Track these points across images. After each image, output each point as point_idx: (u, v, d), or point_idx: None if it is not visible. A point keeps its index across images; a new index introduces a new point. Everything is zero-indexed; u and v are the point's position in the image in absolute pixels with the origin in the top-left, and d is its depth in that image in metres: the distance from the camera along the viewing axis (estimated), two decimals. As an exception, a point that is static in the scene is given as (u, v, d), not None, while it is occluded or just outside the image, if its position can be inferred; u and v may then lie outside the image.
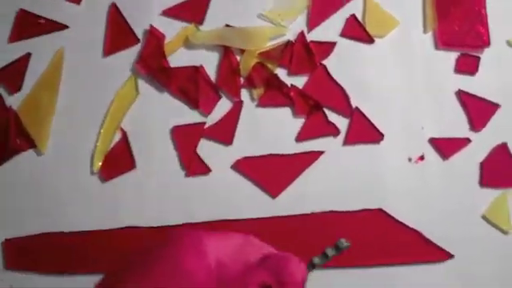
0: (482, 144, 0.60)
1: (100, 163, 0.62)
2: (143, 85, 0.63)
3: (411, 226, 0.58)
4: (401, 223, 0.59)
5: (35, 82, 0.64)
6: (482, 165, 0.60)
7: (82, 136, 0.62)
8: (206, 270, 0.32)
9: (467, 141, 0.60)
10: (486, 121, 0.61)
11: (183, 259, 0.32)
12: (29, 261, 0.59)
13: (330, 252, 0.42)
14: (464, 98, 0.61)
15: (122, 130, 0.62)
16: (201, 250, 0.33)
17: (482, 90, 0.61)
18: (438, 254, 0.58)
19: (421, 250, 0.58)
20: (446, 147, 0.60)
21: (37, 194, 0.61)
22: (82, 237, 0.60)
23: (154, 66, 0.63)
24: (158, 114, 0.63)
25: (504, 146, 0.60)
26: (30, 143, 0.62)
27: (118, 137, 0.62)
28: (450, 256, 0.58)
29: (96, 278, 0.56)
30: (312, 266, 0.41)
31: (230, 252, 0.34)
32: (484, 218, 0.59)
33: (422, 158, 0.60)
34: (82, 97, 0.63)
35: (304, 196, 0.60)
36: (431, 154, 0.61)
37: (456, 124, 0.61)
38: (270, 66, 0.63)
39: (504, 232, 0.58)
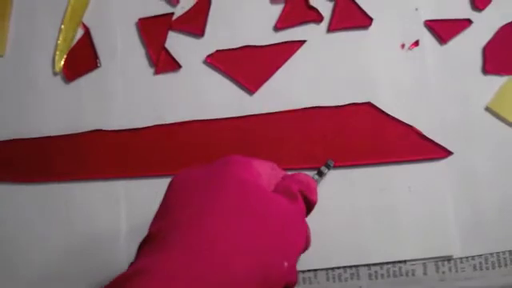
0: (485, 25, 0.53)
1: (62, 63, 0.56)
2: (105, -26, 0.57)
3: (405, 121, 0.52)
4: (393, 118, 0.53)
5: (-12, -23, 0.58)
6: (485, 49, 0.53)
7: (41, 34, 0.57)
8: (265, 185, 0.37)
9: (468, 22, 0.53)
10: (489, -2, 0.53)
11: (241, 173, 0.35)
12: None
13: (324, 169, 0.51)
14: (465, -28, 0.54)
15: (84, 25, 0.57)
16: (251, 165, 0.37)
17: (485, -38, 0.53)
18: (436, 151, 0.52)
19: (416, 147, 0.52)
20: (443, 30, 0.53)
21: (-4, 100, 0.56)
22: (47, 142, 0.55)
23: (116, -48, 0.56)
24: (122, 5, 0.57)
25: (510, 26, 0.53)
26: (-13, 45, 0.57)
27: (80, 33, 0.57)
28: (448, 153, 0.52)
29: (64, 185, 0.54)
30: None
31: (268, 171, 0.38)
32: (488, 109, 0.52)
33: (416, 43, 0.53)
34: (40, -9, 0.57)
35: (285, 91, 0.54)
36: (427, 39, 0.54)
37: (454, 2, 0.54)
38: None
39: (510, 124, 0.52)
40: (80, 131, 0.55)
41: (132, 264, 0.32)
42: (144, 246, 0.33)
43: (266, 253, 0.33)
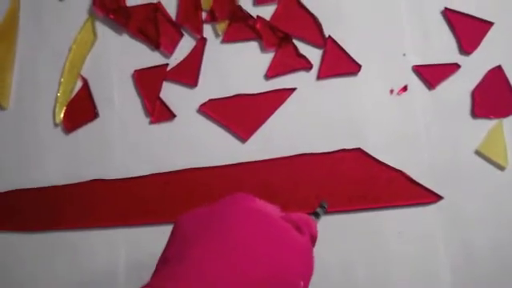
0: (473, 69, 0.54)
1: (62, 114, 0.58)
2: (101, 28, 0.59)
3: (395, 166, 0.53)
4: (382, 163, 0.53)
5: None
6: (474, 93, 0.53)
7: (43, 87, 0.59)
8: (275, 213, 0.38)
9: (456, 66, 0.54)
10: (477, 42, 0.54)
11: (249, 203, 0.37)
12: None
13: (320, 211, 0.49)
14: (451, 16, 0.54)
15: (82, 77, 0.59)
16: (255, 199, 0.38)
17: (471, 6, 0.54)
18: (426, 196, 0.52)
19: (406, 192, 0.53)
20: (431, 75, 0.54)
21: (0, 151, 0.58)
22: (48, 192, 0.57)
23: (111, 5, 0.58)
24: (118, 58, 0.59)
25: (498, 69, 0.53)
26: (-8, 98, 0.59)
27: (79, 85, 0.58)
28: (438, 197, 0.52)
29: (65, 234, 0.56)
30: None
31: (272, 208, 0.39)
32: (477, 152, 0.52)
33: (404, 88, 0.54)
34: (40, 46, 0.60)
35: (276, 138, 0.55)
36: (416, 84, 0.54)
37: (443, 48, 0.54)
38: (232, -4, 0.57)
39: (500, 167, 0.52)
40: (80, 181, 0.57)
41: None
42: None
43: (284, 273, 0.34)
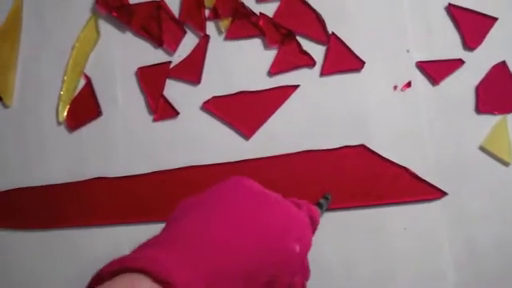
0: (477, 65, 0.53)
1: (65, 113, 0.58)
2: (104, 26, 0.59)
3: (399, 162, 0.53)
4: (386, 160, 0.53)
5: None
6: (478, 88, 0.53)
7: (46, 85, 0.59)
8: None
9: (460, 62, 0.53)
10: (481, 37, 0.53)
11: (247, 182, 0.36)
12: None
13: (323, 202, 0.50)
14: (455, 12, 0.54)
15: (85, 75, 0.59)
16: (249, 180, 0.37)
17: (475, 2, 0.54)
18: (430, 192, 0.52)
19: (410, 188, 0.53)
20: (435, 71, 0.54)
21: (4, 148, 0.58)
22: (52, 190, 0.57)
23: (114, 3, 0.58)
24: (122, 55, 0.58)
25: (502, 64, 0.53)
26: (-5, 97, 0.59)
27: (82, 83, 0.58)
28: (442, 193, 0.52)
29: (68, 232, 0.56)
30: None
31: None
32: (482, 148, 0.52)
33: (408, 84, 0.54)
34: (44, 44, 0.60)
35: (279, 135, 0.55)
36: (419, 80, 0.54)
37: (447, 44, 0.54)
38: (235, -8, 0.57)
39: (504, 163, 0.52)
40: (83, 179, 0.57)
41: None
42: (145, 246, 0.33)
43: (279, 234, 0.34)
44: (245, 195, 0.35)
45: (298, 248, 0.35)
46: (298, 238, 0.35)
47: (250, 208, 0.34)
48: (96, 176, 0.57)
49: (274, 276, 0.33)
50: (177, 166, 0.56)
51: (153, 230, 0.54)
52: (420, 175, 0.52)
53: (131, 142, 0.57)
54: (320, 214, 0.49)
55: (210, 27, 0.57)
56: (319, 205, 0.51)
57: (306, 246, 0.37)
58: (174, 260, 0.29)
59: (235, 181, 0.37)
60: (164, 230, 0.34)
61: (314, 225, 0.41)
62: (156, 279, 0.28)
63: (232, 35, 0.57)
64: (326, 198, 0.51)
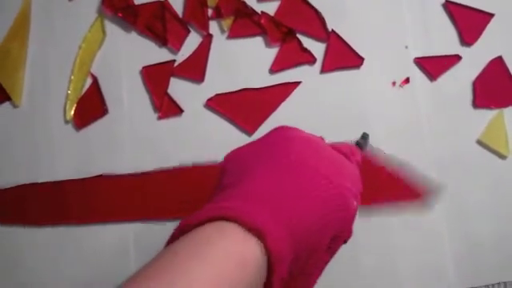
0: (474, 60, 0.55)
1: (72, 111, 0.60)
2: (110, 26, 0.60)
3: (398, 157, 0.54)
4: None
5: (4, 33, 0.61)
6: (475, 83, 0.54)
7: (54, 84, 0.60)
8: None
9: (457, 58, 0.55)
10: (478, 33, 0.54)
11: (294, 133, 0.38)
12: (6, 213, 0.59)
13: (361, 141, 0.51)
14: (452, 8, 0.55)
15: (92, 75, 0.60)
16: (298, 129, 0.39)
17: (472, -2, 0.55)
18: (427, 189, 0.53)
19: (408, 186, 0.53)
20: (433, 67, 0.55)
21: (13, 147, 0.60)
22: (59, 187, 0.58)
23: (120, 4, 0.60)
24: (127, 55, 0.60)
25: (499, 60, 0.54)
26: (5, 96, 0.61)
27: (88, 83, 0.60)
28: (440, 188, 0.53)
29: (74, 229, 0.57)
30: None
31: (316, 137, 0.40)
32: (479, 142, 0.53)
33: (407, 80, 0.55)
34: (51, 45, 0.61)
35: (282, 131, 0.56)
36: (417, 76, 0.55)
37: (444, 40, 0.55)
38: (237, -8, 0.58)
39: (501, 156, 0.53)
40: (89, 176, 0.58)
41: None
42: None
43: (341, 194, 0.35)
44: (308, 147, 0.37)
45: (355, 204, 0.37)
46: (355, 195, 0.37)
47: (317, 162, 0.36)
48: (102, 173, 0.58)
49: (338, 231, 0.36)
50: (182, 163, 0.57)
51: (159, 227, 0.55)
52: (418, 170, 0.53)
53: (137, 140, 0.58)
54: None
55: (213, 26, 0.59)
56: (358, 144, 0.51)
57: (359, 200, 0.38)
58: (260, 212, 0.31)
59: (289, 131, 0.39)
60: (230, 185, 0.35)
61: (359, 169, 0.42)
62: (248, 228, 0.30)
63: (234, 34, 0.58)
64: (364, 137, 0.52)
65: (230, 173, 0.38)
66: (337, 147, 0.40)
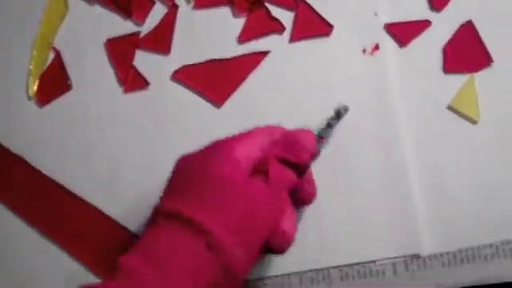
0: (444, 25, 0.54)
1: (35, 87, 0.58)
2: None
3: (369, 124, 0.53)
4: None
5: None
6: (445, 49, 0.53)
7: (15, 60, 0.59)
8: (241, 172, 0.39)
9: (427, 23, 0.54)
10: (447, -3, 0.54)
11: (221, 170, 0.38)
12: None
13: (332, 121, 0.45)
14: (419, -28, 0.54)
15: (54, 49, 0.58)
16: (231, 155, 0.39)
17: (440, -38, 0.54)
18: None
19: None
20: (403, 33, 0.54)
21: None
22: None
23: (82, -25, 0.58)
24: (91, 28, 0.58)
25: (469, 24, 0.53)
26: (-36, 75, 0.58)
27: (51, 57, 0.58)
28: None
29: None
30: (320, 137, 0.44)
31: (256, 148, 0.40)
32: (450, 108, 0.53)
33: (377, 47, 0.54)
34: (11, 19, 0.59)
35: (252, 103, 0.55)
36: (387, 43, 0.54)
37: (413, 5, 0.54)
38: (203, -40, 0.57)
39: (472, 121, 0.52)
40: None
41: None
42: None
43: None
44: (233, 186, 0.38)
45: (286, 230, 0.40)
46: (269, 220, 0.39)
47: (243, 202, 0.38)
48: (68, 150, 0.56)
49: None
50: (148, 137, 0.55)
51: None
52: (390, 136, 0.52)
53: (103, 116, 0.56)
54: (326, 135, 0.45)
55: (179, -4, 0.57)
56: (328, 126, 0.45)
57: (292, 228, 0.41)
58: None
59: (215, 168, 0.39)
60: (184, 189, 0.39)
61: (303, 169, 0.42)
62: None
63: (200, 4, 0.57)
64: (338, 115, 0.46)
65: (175, 175, 0.41)
66: (265, 156, 0.40)
